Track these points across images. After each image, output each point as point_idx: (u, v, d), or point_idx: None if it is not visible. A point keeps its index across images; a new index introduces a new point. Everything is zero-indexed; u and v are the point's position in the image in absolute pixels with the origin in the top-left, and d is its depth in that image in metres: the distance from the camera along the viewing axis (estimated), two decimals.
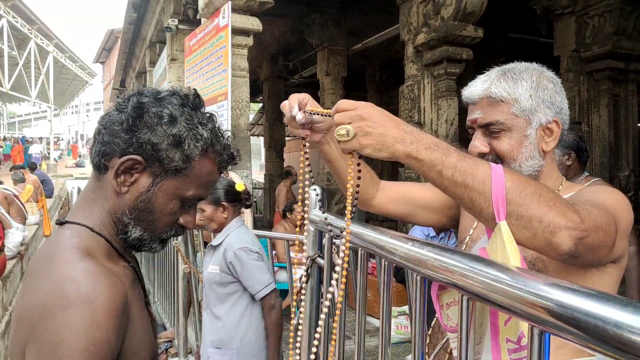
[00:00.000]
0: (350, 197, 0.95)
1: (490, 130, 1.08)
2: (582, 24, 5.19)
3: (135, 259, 0.96)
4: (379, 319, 1.17)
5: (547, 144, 1.09)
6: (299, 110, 1.01)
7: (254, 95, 13.32)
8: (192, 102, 0.87)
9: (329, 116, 0.96)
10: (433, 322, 1.18)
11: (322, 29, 7.51)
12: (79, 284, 0.71)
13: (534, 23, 6.93)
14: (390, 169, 10.17)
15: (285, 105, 1.04)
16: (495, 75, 1.10)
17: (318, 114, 1.01)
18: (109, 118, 0.84)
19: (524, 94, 1.06)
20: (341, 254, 0.98)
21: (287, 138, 13.85)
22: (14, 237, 5.45)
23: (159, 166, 0.82)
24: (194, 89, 0.91)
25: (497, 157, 1.08)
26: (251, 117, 19.21)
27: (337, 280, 1.05)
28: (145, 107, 0.82)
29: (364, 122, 0.84)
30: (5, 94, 22.51)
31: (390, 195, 1.29)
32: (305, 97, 1.04)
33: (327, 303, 1.07)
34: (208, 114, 0.89)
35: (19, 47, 22.00)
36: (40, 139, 25.78)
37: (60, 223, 0.85)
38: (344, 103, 0.88)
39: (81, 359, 0.68)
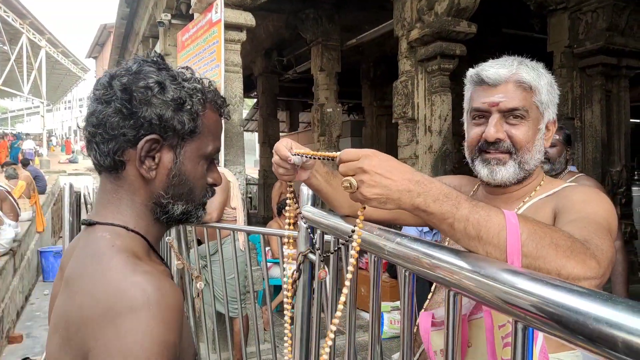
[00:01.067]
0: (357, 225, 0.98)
1: (513, 115, 1.06)
2: (575, 20, 5.21)
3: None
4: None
5: (546, 141, 1.10)
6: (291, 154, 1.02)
7: (248, 91, 13.27)
8: (164, 64, 0.85)
9: (318, 158, 0.98)
10: (418, 320, 1.19)
11: (317, 24, 7.49)
12: (144, 286, 0.70)
13: (527, 19, 6.94)
14: None
15: (280, 150, 1.04)
16: (518, 63, 1.08)
17: (309, 157, 1.02)
18: (97, 116, 0.79)
19: (544, 87, 1.07)
20: (351, 260, 0.99)
21: (281, 133, 13.85)
22: (6, 233, 5.42)
23: (173, 136, 0.81)
24: (155, 51, 0.89)
25: (513, 145, 1.07)
26: (245, 112, 19.17)
27: (349, 283, 1.06)
28: (132, 86, 0.78)
29: (366, 175, 0.80)
30: None
31: None
32: (289, 142, 1.05)
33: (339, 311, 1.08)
34: (184, 68, 0.88)
35: (11, 42, 21.78)
36: (27, 134, 25.45)
37: (89, 224, 0.82)
38: (347, 154, 0.84)
39: None
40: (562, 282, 0.55)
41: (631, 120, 5.68)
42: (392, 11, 5.00)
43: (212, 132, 0.86)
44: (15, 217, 6.56)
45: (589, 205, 0.99)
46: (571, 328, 0.50)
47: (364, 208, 0.93)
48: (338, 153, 0.90)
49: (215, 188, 0.93)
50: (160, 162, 0.81)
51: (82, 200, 7.35)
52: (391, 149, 8.09)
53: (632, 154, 5.64)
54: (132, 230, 0.81)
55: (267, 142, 10.49)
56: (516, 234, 0.74)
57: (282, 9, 7.35)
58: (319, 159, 1.00)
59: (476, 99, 1.11)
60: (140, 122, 0.78)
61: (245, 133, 5.87)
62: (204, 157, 0.86)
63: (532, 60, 1.15)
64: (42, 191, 10.32)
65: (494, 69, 1.08)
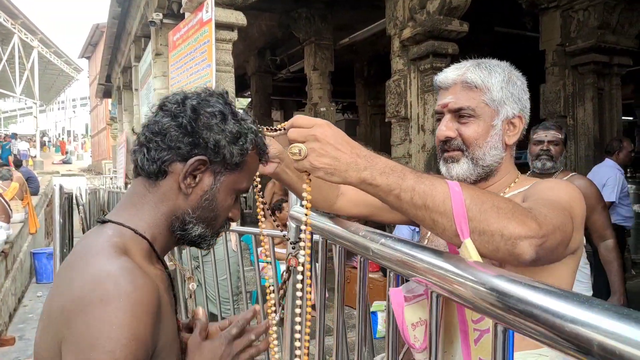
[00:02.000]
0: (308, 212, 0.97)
1: (460, 115, 1.10)
2: (567, 18, 5.22)
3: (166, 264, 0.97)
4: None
5: (509, 137, 1.12)
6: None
7: (241, 90, 13.25)
8: (229, 100, 0.92)
9: (285, 130, 0.93)
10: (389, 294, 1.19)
11: (309, 23, 7.48)
12: (117, 279, 0.72)
13: (519, 17, 6.96)
14: None
15: None
16: (470, 65, 1.13)
17: (275, 130, 1.01)
18: (160, 125, 0.85)
19: (496, 84, 1.09)
20: (302, 252, 0.98)
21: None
22: None
23: (219, 164, 0.87)
24: (224, 88, 0.97)
25: (463, 143, 1.10)
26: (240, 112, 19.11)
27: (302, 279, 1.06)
28: (200, 109, 0.86)
29: (317, 143, 0.82)
30: None
31: (350, 198, 1.29)
32: None
33: (298, 302, 1.07)
34: (243, 109, 0.96)
35: (3, 43, 21.64)
36: (15, 135, 25.14)
37: (102, 222, 0.86)
38: (300, 119, 0.85)
39: (122, 354, 0.67)
40: (542, 284, 0.54)
41: (623, 117, 5.71)
42: (384, 10, 5.01)
43: (250, 171, 0.93)
44: (7, 218, 6.51)
45: (552, 190, 1.02)
46: (549, 329, 0.49)
47: (310, 180, 0.93)
48: (288, 122, 0.89)
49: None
50: (200, 183, 0.87)
51: (74, 201, 7.31)
52: (386, 148, 8.10)
53: None
54: (140, 234, 0.84)
55: None
56: (460, 200, 0.77)
57: (274, 8, 7.34)
58: (269, 133, 1.00)
59: (436, 103, 1.17)
60: (198, 141, 0.84)
61: None
62: (235, 192, 0.92)
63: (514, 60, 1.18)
64: (35, 192, 10.26)
65: (445, 73, 1.14)
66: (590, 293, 2.58)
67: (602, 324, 0.44)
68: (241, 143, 0.87)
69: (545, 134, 2.61)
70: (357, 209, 1.31)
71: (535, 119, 5.27)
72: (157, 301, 0.76)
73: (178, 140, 0.84)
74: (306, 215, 1.01)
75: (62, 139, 39.74)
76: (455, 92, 1.11)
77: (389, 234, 0.92)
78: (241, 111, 0.94)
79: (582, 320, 0.46)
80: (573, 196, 1.00)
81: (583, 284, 2.55)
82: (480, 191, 0.82)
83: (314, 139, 0.82)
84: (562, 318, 0.48)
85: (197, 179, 0.86)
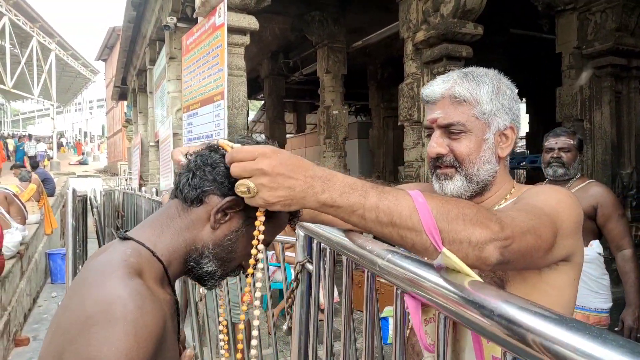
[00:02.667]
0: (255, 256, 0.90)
1: (450, 131, 1.06)
2: (584, 20, 5.13)
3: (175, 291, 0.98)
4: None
5: (502, 149, 1.08)
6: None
7: (254, 93, 13.30)
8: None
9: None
10: (407, 333, 1.16)
11: (322, 26, 7.47)
12: (127, 301, 0.73)
13: (535, 19, 6.86)
14: (392, 166, 10.14)
15: (173, 155, 0.98)
16: (457, 76, 1.08)
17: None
18: (212, 159, 0.88)
19: (485, 96, 1.05)
20: (257, 275, 0.91)
21: (288, 136, 13.85)
22: (13, 237, 5.45)
23: (253, 210, 0.87)
24: (265, 135, 0.98)
25: (455, 159, 1.07)
26: (253, 114, 19.21)
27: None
28: None
29: (265, 177, 0.74)
30: (7, 91, 22.57)
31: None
32: (187, 148, 0.98)
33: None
34: None
35: (21, 45, 22.01)
36: (30, 135, 25.45)
37: (124, 238, 0.88)
38: (239, 153, 0.77)
39: None
40: (555, 314, 0.51)
41: None
42: (397, 13, 4.97)
43: (276, 227, 0.93)
44: (23, 220, 6.60)
45: (538, 195, 0.99)
46: None
47: (264, 212, 0.85)
48: (229, 144, 0.83)
49: None
50: (228, 222, 0.89)
51: (89, 203, 7.40)
52: (399, 151, 8.03)
53: None
54: (157, 257, 0.86)
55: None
56: (427, 211, 0.74)
57: (287, 11, 7.35)
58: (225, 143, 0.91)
59: (425, 117, 1.12)
60: None
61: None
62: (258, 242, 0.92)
63: (493, 69, 1.14)
64: (51, 193, 10.41)
65: (431, 87, 1.09)
66: (609, 305, 2.52)
67: None
68: None
69: (555, 141, 2.56)
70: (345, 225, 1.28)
71: (552, 123, 5.22)
72: (162, 328, 0.76)
73: (224, 176, 0.86)
74: (256, 254, 0.91)
75: (79, 140, 40.27)
76: (443, 106, 1.06)
77: (397, 250, 0.90)
78: None
79: (595, 356, 0.43)
80: (561, 201, 0.97)
81: (601, 296, 2.49)
82: (444, 199, 0.80)
83: (261, 172, 0.74)
84: (580, 354, 0.45)
85: (227, 217, 0.88)
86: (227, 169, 0.84)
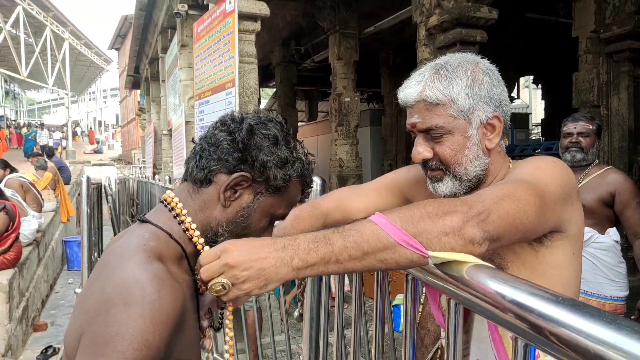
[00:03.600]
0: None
1: (432, 135, 1.04)
2: (601, 4, 5.01)
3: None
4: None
5: (490, 141, 1.04)
6: None
7: (266, 81, 13.26)
8: (287, 128, 0.95)
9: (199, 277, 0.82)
10: (418, 319, 1.15)
11: (334, 12, 7.40)
12: (145, 285, 0.74)
13: (552, 3, 6.72)
14: (405, 153, 10.08)
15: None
16: (428, 75, 1.04)
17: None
18: (216, 138, 0.90)
19: (459, 93, 1.01)
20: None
21: (300, 123, 13.82)
22: (30, 224, 5.53)
23: (261, 184, 0.90)
24: (283, 117, 1.00)
25: (441, 162, 1.04)
26: (265, 102, 19.18)
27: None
28: (256, 129, 0.90)
29: (234, 269, 0.74)
30: (23, 81, 22.82)
31: (334, 218, 1.27)
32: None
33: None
34: (298, 141, 0.98)
35: (35, 35, 22.19)
36: (42, 124, 25.68)
37: (143, 220, 0.90)
38: (203, 259, 0.77)
39: (132, 356, 0.70)
40: (567, 299, 0.50)
41: None
42: None
43: (289, 199, 0.94)
44: (39, 207, 6.70)
45: (520, 168, 0.98)
46: (572, 350, 0.45)
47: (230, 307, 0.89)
48: (197, 267, 0.82)
49: None
50: (239, 198, 0.90)
51: (103, 191, 7.48)
52: (411, 138, 7.97)
53: None
54: (175, 240, 0.87)
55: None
56: (392, 226, 0.73)
57: None
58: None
59: (407, 120, 1.09)
60: (246, 158, 0.88)
61: None
62: (271, 216, 0.94)
63: (469, 53, 1.09)
64: (66, 182, 10.54)
65: (405, 90, 1.06)
66: (625, 293, 2.48)
67: (632, 349, 0.40)
68: (287, 169, 0.90)
69: (574, 126, 2.52)
70: (343, 216, 1.28)
71: (568, 109, 5.12)
72: (179, 311, 0.78)
73: (228, 153, 0.88)
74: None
75: (91, 129, 40.61)
76: (419, 111, 1.04)
77: None
78: (297, 141, 0.97)
79: (610, 343, 0.42)
80: (541, 167, 0.95)
81: (617, 284, 2.46)
82: (405, 207, 0.78)
83: (229, 267, 0.74)
84: (588, 337, 0.44)
85: (237, 194, 0.89)
86: (231, 146, 0.88)
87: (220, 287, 0.75)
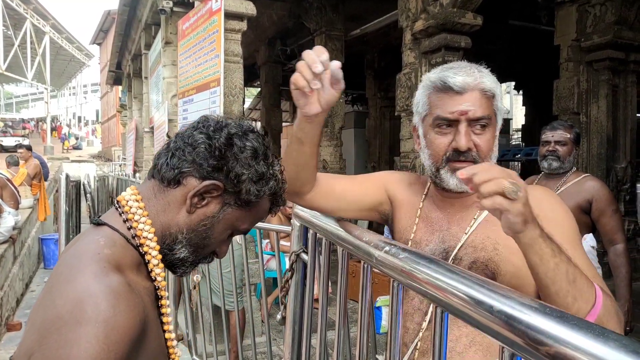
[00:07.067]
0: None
1: (480, 124, 1.05)
2: (583, 13, 5.11)
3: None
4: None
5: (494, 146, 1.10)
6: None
7: (251, 80, 13.19)
8: (267, 142, 0.91)
9: None
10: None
11: (320, 13, 7.39)
12: (99, 300, 0.69)
13: (535, 11, 6.83)
14: (388, 156, 10.13)
15: (309, 54, 0.98)
16: (477, 70, 1.06)
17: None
18: (193, 138, 0.85)
19: (500, 93, 1.07)
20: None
21: (284, 124, 13.77)
22: (6, 221, 5.41)
23: (232, 196, 0.85)
24: (263, 127, 0.93)
25: (478, 155, 1.05)
26: (249, 102, 19.07)
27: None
28: (235, 139, 0.85)
29: (524, 192, 0.74)
30: (1, 74, 22.29)
31: (322, 189, 1.23)
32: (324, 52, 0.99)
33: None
34: (276, 156, 0.94)
35: (15, 27, 21.70)
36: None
37: (98, 224, 0.84)
38: (490, 170, 0.76)
39: None
40: (555, 310, 0.50)
41: (637, 115, 5.60)
42: (396, 1, 4.92)
43: (256, 216, 0.91)
44: (16, 204, 6.55)
45: (564, 223, 1.02)
46: None
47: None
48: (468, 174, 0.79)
49: None
50: (205, 206, 0.85)
51: (82, 189, 7.35)
52: (395, 141, 8.00)
53: (637, 151, 5.56)
54: (133, 246, 0.82)
55: (270, 132, 10.42)
56: (599, 306, 0.80)
57: None
58: None
59: (442, 107, 1.07)
60: (221, 166, 0.84)
61: None
62: (233, 229, 0.89)
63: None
64: (44, 178, 10.32)
65: (460, 76, 1.05)
66: None
67: None
68: (261, 185, 0.87)
69: (552, 134, 2.57)
70: (326, 201, 1.25)
71: (548, 115, 5.20)
72: (138, 327, 0.73)
73: (204, 158, 0.83)
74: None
75: (60, 123, 39.68)
76: (472, 99, 1.04)
77: (395, 242, 0.89)
78: (275, 157, 0.93)
79: (597, 355, 0.42)
80: (573, 222, 1.03)
81: None
82: (614, 300, 0.85)
83: (521, 189, 0.74)
84: (581, 352, 0.44)
85: (204, 202, 0.85)
86: (208, 151, 0.83)
87: (516, 189, 0.72)
